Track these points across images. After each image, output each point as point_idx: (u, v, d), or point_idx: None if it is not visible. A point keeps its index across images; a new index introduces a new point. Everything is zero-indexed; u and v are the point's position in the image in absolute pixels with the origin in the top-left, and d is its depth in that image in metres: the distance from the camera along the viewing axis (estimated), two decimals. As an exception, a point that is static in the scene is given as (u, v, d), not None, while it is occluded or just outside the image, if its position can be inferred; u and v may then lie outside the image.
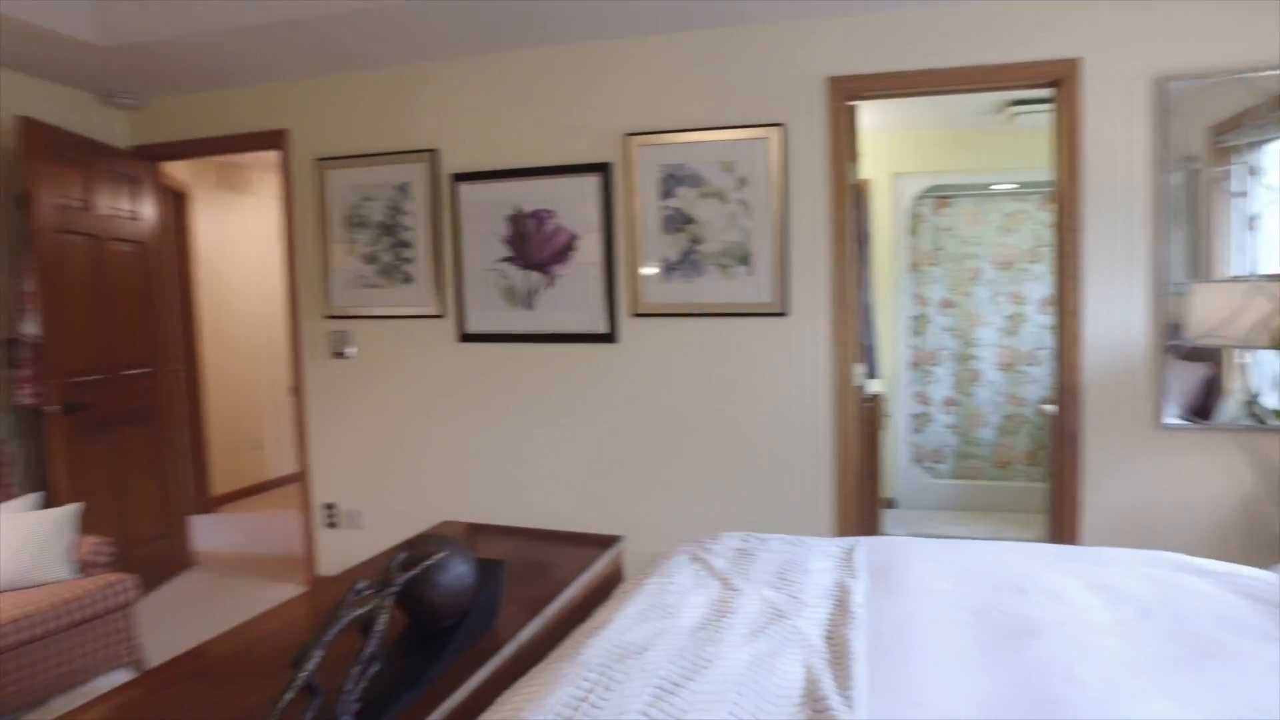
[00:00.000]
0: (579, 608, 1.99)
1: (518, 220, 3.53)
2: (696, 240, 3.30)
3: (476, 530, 2.60)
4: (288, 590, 3.94)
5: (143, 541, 4.00)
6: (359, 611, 1.36)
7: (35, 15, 3.05)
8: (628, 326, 3.44)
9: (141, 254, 4.10)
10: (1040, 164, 3.54)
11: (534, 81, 3.49)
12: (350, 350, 3.87)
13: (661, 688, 1.39)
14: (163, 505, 4.21)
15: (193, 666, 1.65)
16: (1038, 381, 5.04)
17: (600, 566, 2.19)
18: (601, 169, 3.39)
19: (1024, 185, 4.86)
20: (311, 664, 1.25)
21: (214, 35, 3.22)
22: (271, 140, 3.93)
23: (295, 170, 3.90)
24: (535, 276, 3.52)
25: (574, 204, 3.44)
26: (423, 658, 1.53)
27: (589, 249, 3.44)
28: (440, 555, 1.53)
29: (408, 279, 3.72)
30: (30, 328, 3.49)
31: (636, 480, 3.48)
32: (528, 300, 3.54)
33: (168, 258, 4.39)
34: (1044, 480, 3.94)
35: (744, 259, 3.25)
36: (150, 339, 4.16)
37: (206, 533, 5.03)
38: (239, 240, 5.90)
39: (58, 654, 2.84)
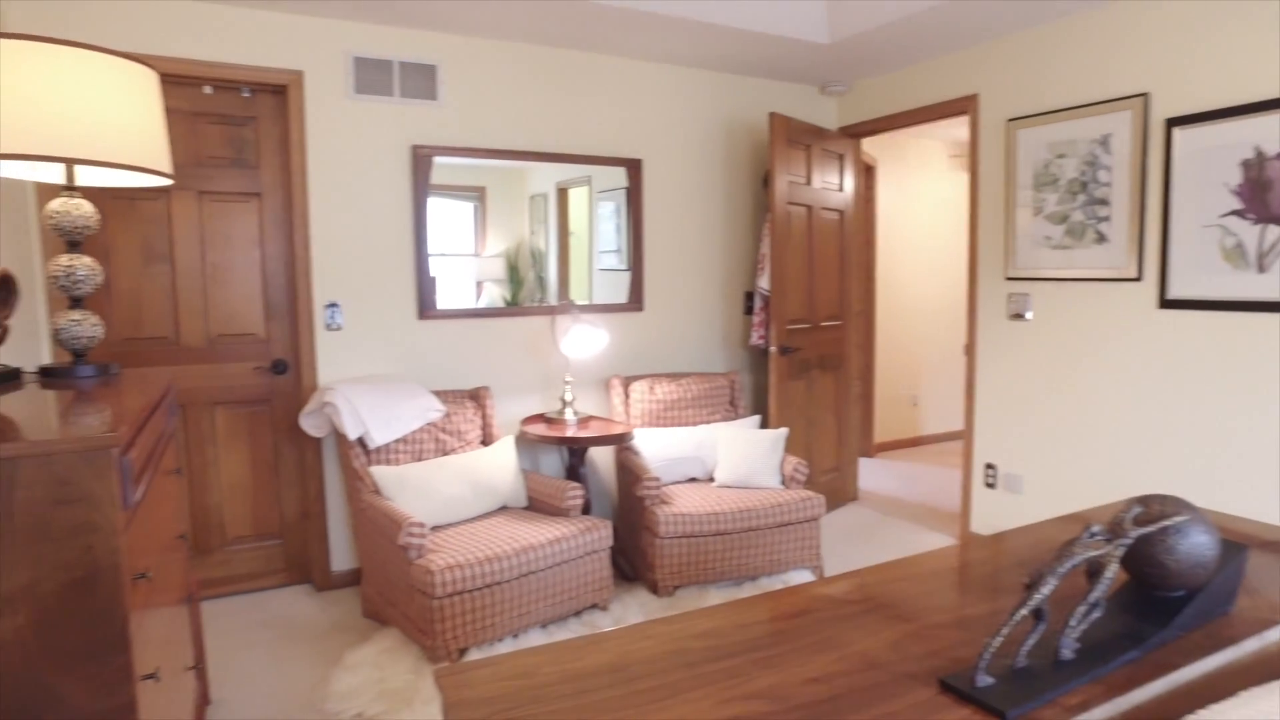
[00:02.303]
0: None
1: (1256, 165, 2.98)
2: None
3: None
4: (938, 539, 4.15)
5: (822, 471, 4.65)
6: (1091, 554, 1.37)
7: (785, 29, 3.75)
8: None
9: (839, 221, 4.70)
10: None
11: (1292, -4, 2.88)
12: (1028, 313, 3.81)
13: None
14: (839, 442, 4.81)
15: (899, 573, 1.88)
16: None
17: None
18: (1393, 92, 2.64)
19: None
20: (1046, 589, 1.32)
21: (919, 13, 3.47)
22: (961, 106, 4.07)
23: (983, 134, 3.97)
24: (1276, 232, 2.94)
25: (1341, 140, 2.76)
26: (1144, 620, 1.47)
27: (1360, 196, 2.73)
28: (1181, 519, 1.44)
29: (1101, 239, 3.48)
30: (763, 282, 4.33)
31: None
32: (1260, 262, 2.98)
33: (858, 224, 4.93)
34: None
35: None
36: (841, 295, 4.75)
37: (869, 473, 5.59)
38: (910, 207, 6.29)
39: (766, 545, 3.53)
